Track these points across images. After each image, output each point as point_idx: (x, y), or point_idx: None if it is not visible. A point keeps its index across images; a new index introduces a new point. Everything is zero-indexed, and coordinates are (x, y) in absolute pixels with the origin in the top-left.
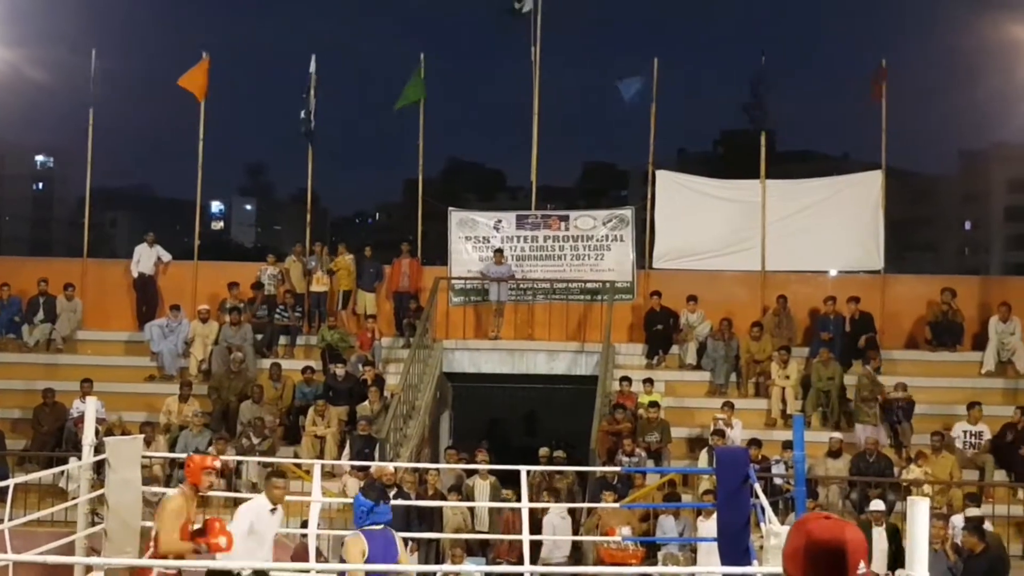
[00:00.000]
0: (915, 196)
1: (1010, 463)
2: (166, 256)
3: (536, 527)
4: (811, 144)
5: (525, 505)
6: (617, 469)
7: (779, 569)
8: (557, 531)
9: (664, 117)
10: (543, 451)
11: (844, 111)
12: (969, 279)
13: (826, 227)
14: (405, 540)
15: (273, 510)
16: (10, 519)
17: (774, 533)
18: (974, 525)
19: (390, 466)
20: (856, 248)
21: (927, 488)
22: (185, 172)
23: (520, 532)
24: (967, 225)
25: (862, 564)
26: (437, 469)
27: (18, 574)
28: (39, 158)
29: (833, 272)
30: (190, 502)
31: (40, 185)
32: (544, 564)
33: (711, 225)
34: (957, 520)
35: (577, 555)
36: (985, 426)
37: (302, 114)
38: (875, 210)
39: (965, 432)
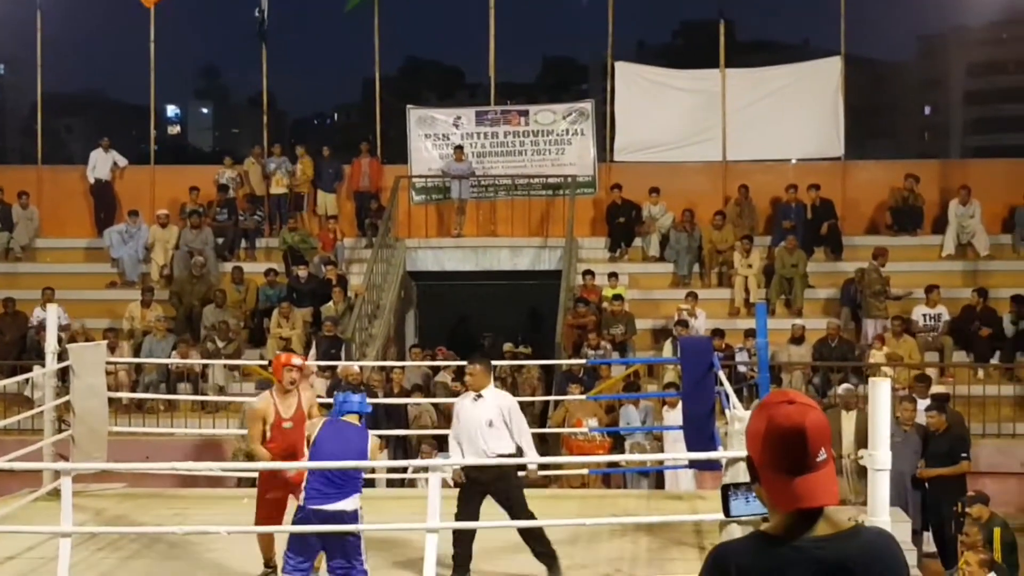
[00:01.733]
0: (874, 82)
1: (969, 344)
2: (122, 161)
3: None
4: (770, 33)
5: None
6: (582, 362)
7: (743, 453)
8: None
9: (622, 8)
10: (507, 347)
11: None
12: (929, 163)
13: (786, 115)
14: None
15: (477, 397)
16: None
17: (738, 419)
18: (938, 404)
19: (355, 365)
20: (817, 135)
21: (889, 370)
22: (138, 76)
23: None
24: (927, 110)
25: (822, 450)
26: (403, 367)
27: None
28: None
29: (794, 160)
30: (281, 399)
31: None
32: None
33: (672, 116)
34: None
35: (545, 447)
36: (943, 308)
37: (255, 13)
38: (835, 97)
39: (924, 315)
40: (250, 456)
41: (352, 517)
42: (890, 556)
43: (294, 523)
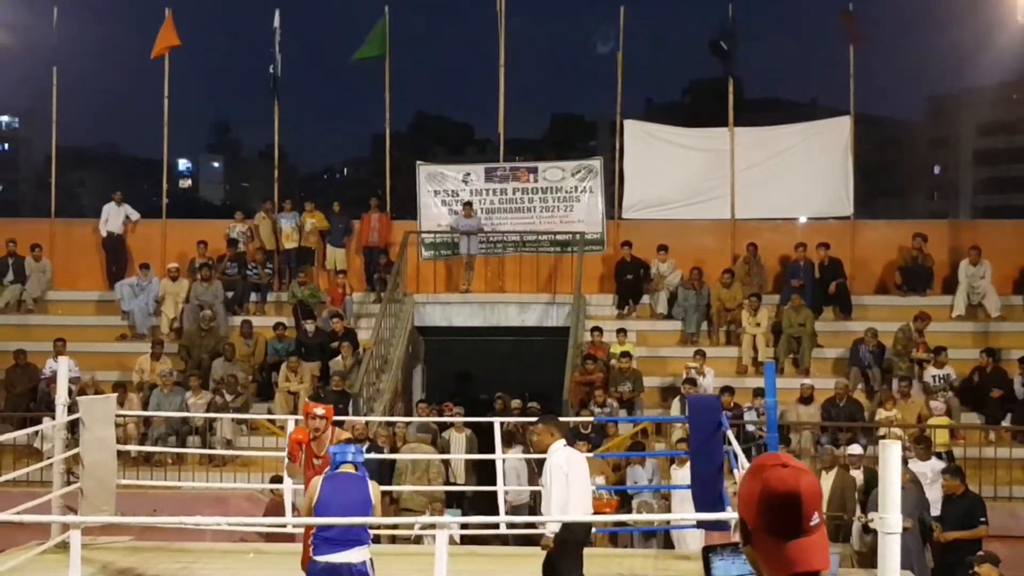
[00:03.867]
0: (884, 141)
1: (979, 405)
2: (134, 215)
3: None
4: (779, 91)
5: (499, 456)
6: (590, 419)
7: None
8: (520, 476)
9: (631, 66)
10: (515, 403)
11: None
12: (939, 223)
13: (795, 174)
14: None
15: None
16: None
17: None
18: (954, 468)
19: (362, 420)
20: (826, 194)
21: (898, 431)
22: (152, 130)
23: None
24: (936, 169)
25: (816, 515)
26: (409, 422)
27: None
28: (3, 119)
29: (803, 219)
30: (317, 448)
31: (5, 146)
32: (512, 508)
33: (680, 174)
34: (918, 466)
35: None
36: (951, 369)
37: (270, 69)
38: (844, 156)
39: (934, 376)
40: None
41: (360, 568)
42: None
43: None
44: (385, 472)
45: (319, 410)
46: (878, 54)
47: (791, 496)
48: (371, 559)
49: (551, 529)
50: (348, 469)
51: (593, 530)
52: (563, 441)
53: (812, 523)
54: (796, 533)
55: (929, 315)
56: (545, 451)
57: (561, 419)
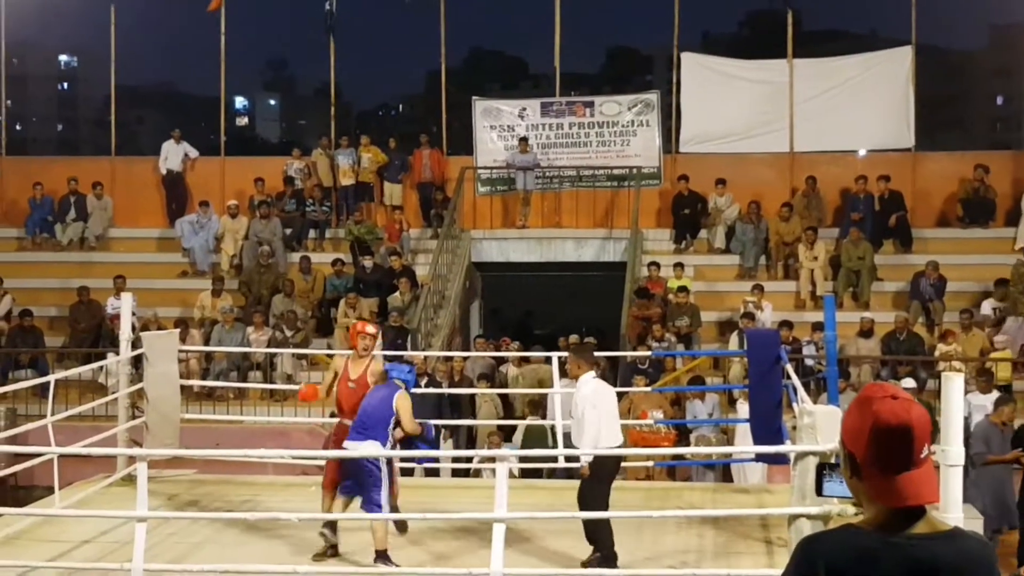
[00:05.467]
0: (945, 72)
1: None
2: (193, 152)
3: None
4: (838, 22)
5: (558, 391)
6: (648, 354)
7: (812, 447)
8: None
9: None
10: (573, 338)
11: None
12: (1001, 155)
13: (855, 106)
14: (438, 427)
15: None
16: (52, 414)
17: (807, 412)
18: (1006, 398)
19: (420, 355)
20: (886, 126)
21: (958, 364)
22: (209, 68)
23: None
24: (999, 100)
25: (925, 447)
26: (466, 357)
27: (62, 466)
28: (63, 58)
29: (863, 151)
30: (353, 362)
31: (65, 85)
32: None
33: (738, 107)
34: (978, 398)
35: None
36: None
37: (326, 6)
38: (905, 87)
39: (995, 309)
40: None
41: (372, 462)
42: (984, 566)
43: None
44: (445, 406)
45: (371, 328)
46: None
47: (904, 428)
48: (388, 460)
49: (585, 460)
50: (397, 384)
51: (651, 463)
52: (592, 372)
53: (922, 455)
54: (907, 466)
55: None
56: (575, 381)
57: (616, 353)
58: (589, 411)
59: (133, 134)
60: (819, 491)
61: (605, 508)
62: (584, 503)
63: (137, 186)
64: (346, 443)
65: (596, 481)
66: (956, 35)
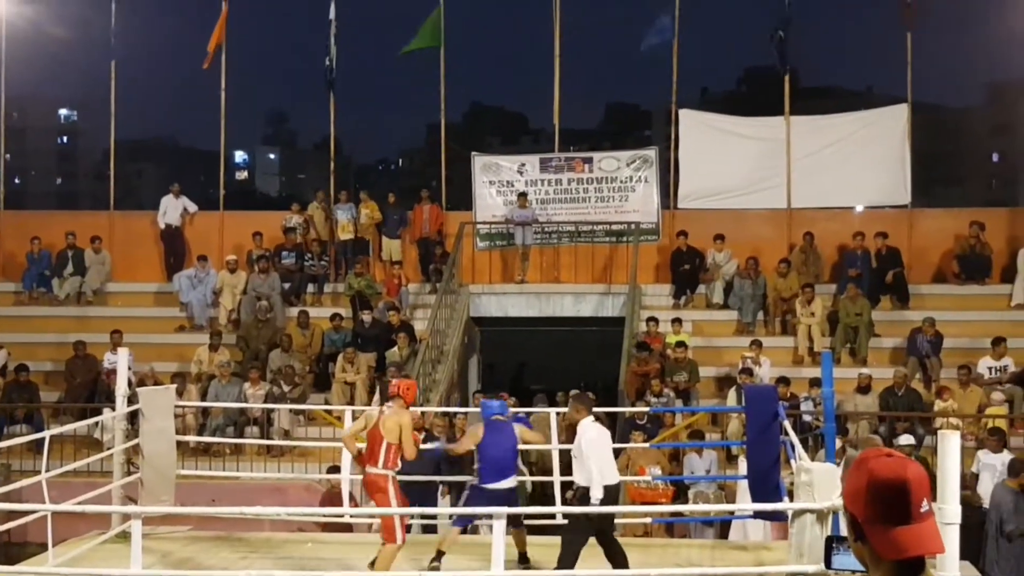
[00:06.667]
0: (942, 129)
1: None
2: (192, 207)
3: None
4: (835, 80)
5: (555, 447)
6: (646, 410)
7: (809, 504)
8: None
9: (686, 56)
10: (573, 393)
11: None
12: (997, 211)
13: (852, 162)
14: (439, 484)
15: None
16: (47, 470)
17: (804, 470)
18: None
19: (418, 411)
20: (883, 183)
21: (955, 421)
22: (208, 122)
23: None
24: (994, 157)
25: (925, 501)
26: (466, 413)
27: (57, 523)
28: (63, 112)
29: (860, 208)
30: (380, 418)
31: (65, 139)
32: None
33: (736, 163)
34: (989, 458)
35: None
36: (1010, 360)
37: (326, 61)
38: (901, 144)
39: (990, 368)
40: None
41: (512, 492)
42: None
43: (468, 498)
44: (442, 462)
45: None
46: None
47: (900, 482)
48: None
49: (596, 496)
50: (499, 419)
51: (649, 519)
52: (591, 417)
53: (922, 510)
54: (906, 519)
55: None
56: (575, 424)
57: (614, 409)
58: (594, 452)
59: (132, 188)
60: (828, 564)
61: (577, 552)
62: (564, 543)
63: (135, 240)
64: (498, 486)
65: (578, 528)
66: (952, 92)
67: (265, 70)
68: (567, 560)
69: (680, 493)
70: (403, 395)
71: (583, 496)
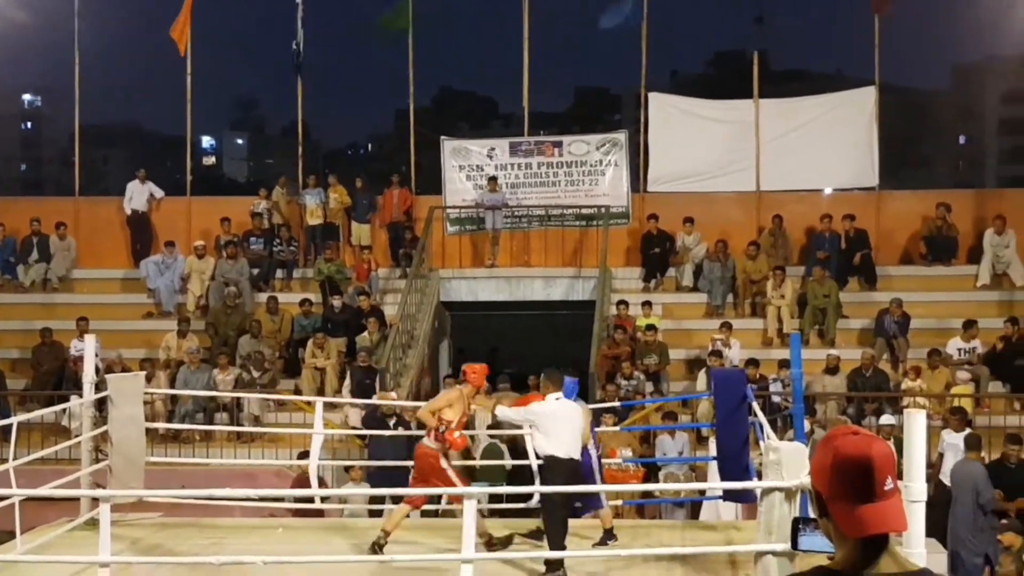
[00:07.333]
0: (909, 111)
1: (1004, 375)
2: (159, 192)
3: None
4: (803, 62)
5: (528, 432)
6: (615, 404)
7: (777, 483)
8: None
9: (655, 39)
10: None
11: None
12: (964, 193)
13: (820, 145)
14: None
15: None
16: (14, 458)
17: (773, 449)
18: (1016, 437)
19: (393, 393)
20: (851, 165)
21: (922, 401)
22: (175, 108)
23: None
24: (961, 139)
25: (889, 479)
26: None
27: (25, 511)
28: (26, 97)
29: (828, 190)
30: (465, 400)
31: (28, 124)
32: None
33: (705, 147)
34: (952, 437)
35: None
36: (978, 342)
37: (293, 46)
38: (869, 126)
39: (959, 349)
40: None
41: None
42: None
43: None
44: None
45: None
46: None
47: (863, 460)
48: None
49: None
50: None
51: (620, 501)
52: (559, 394)
53: (886, 487)
54: (870, 497)
55: None
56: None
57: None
58: (545, 422)
59: (98, 174)
60: (795, 545)
61: (566, 513)
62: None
63: (101, 226)
64: (574, 455)
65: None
66: (919, 75)
67: (232, 54)
68: (556, 540)
69: (651, 475)
70: (469, 379)
71: (542, 467)
